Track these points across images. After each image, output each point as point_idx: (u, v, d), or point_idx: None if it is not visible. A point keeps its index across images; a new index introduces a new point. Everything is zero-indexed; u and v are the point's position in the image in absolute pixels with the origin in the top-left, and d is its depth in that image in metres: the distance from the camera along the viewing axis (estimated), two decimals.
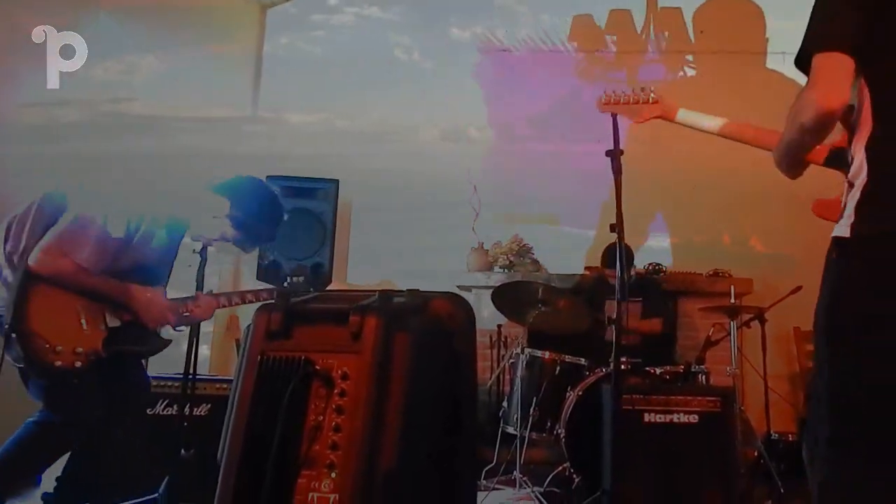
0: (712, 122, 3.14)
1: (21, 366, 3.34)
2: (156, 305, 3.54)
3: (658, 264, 6.50)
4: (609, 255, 5.88)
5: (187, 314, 3.65)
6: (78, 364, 3.33)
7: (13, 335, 3.24)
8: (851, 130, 2.16)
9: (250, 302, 3.90)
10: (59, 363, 3.29)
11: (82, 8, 5.05)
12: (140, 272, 3.56)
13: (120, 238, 3.44)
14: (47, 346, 3.27)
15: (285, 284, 4.65)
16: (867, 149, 2.07)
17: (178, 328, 3.73)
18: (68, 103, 5.29)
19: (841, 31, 2.03)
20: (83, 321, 3.40)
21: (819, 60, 2.02)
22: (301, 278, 4.77)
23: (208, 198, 3.63)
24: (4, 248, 3.37)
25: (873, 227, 2.02)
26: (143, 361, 3.88)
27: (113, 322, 3.50)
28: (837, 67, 2.00)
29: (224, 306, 3.85)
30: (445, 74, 8.03)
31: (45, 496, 3.57)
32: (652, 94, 3.44)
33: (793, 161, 2.24)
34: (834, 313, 2.07)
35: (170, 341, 3.76)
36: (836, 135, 2.26)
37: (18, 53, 4.03)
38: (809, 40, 2.07)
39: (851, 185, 2.12)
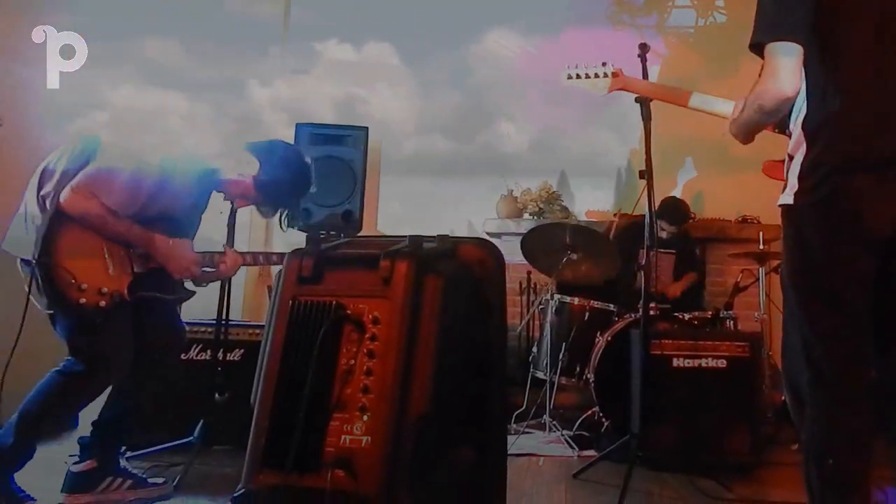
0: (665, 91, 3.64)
1: (51, 311, 3.33)
2: (180, 255, 3.49)
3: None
4: (663, 206, 5.92)
5: (213, 269, 3.63)
6: (102, 304, 3.31)
7: (40, 268, 3.23)
8: (791, 107, 2.39)
9: (275, 263, 3.85)
10: (83, 300, 3.27)
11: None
12: (167, 222, 3.50)
13: (153, 182, 3.38)
14: (73, 281, 3.26)
15: (322, 234, 4.62)
16: (803, 127, 2.32)
17: (201, 284, 3.70)
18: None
19: (791, 19, 2.26)
20: (109, 263, 3.37)
21: (774, 49, 2.26)
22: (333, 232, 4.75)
23: (240, 155, 3.59)
24: (39, 193, 3.37)
25: (813, 195, 2.28)
26: (176, 308, 3.86)
27: (139, 268, 3.46)
28: (791, 55, 2.24)
29: (249, 265, 3.82)
30: None
31: (80, 440, 3.60)
32: (612, 69, 3.76)
33: (749, 135, 2.53)
34: (794, 271, 2.39)
35: (194, 292, 3.72)
36: None
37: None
38: (764, 28, 2.30)
39: (791, 158, 2.38)
